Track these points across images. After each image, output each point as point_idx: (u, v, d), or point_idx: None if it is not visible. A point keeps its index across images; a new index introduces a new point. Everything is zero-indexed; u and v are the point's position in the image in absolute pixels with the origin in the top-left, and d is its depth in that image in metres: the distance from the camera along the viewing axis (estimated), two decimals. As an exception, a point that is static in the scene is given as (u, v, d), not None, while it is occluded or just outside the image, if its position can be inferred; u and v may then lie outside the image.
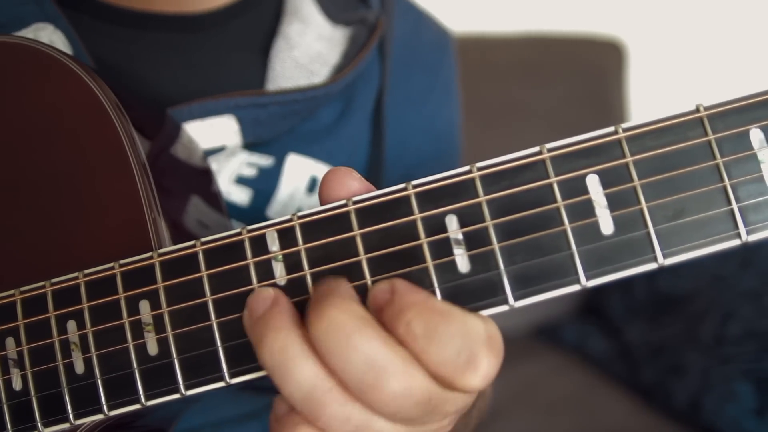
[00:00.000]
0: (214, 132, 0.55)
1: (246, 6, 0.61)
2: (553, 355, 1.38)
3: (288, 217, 0.36)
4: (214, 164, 0.55)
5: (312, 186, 0.59)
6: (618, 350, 1.34)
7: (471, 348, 0.32)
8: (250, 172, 0.57)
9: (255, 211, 0.57)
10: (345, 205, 0.36)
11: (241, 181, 0.57)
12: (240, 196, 0.57)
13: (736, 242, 0.33)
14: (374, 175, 0.62)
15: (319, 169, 0.59)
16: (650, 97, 1.65)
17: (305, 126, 0.60)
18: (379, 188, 0.36)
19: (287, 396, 0.33)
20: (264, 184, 0.57)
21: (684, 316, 1.28)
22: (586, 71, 1.57)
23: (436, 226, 0.35)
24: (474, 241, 0.34)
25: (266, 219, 0.57)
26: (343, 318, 0.32)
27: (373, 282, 0.35)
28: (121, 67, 0.56)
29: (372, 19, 0.63)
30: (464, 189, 0.35)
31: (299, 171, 0.58)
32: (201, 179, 0.52)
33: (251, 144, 0.57)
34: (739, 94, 0.34)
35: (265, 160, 0.58)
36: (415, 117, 0.67)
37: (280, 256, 0.36)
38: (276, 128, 0.57)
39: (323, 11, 0.63)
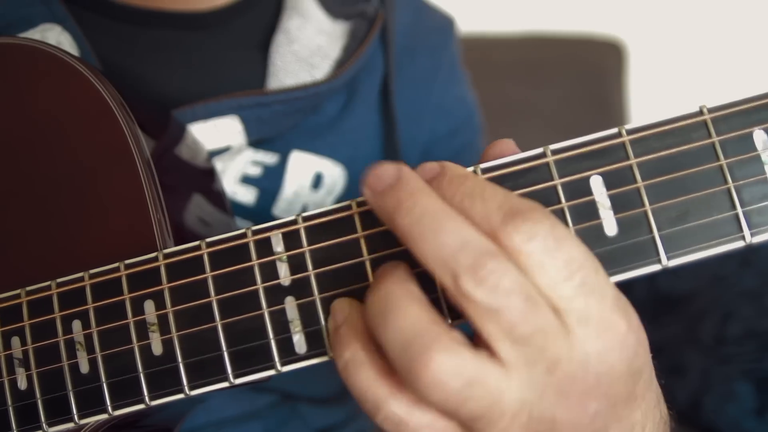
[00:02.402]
0: (219, 133, 0.55)
1: (247, 4, 0.61)
2: (553, 355, 1.38)
3: (293, 218, 0.36)
4: (219, 164, 0.55)
5: (316, 182, 0.59)
6: (618, 350, 1.34)
7: (511, 204, 0.30)
8: (255, 171, 0.57)
9: (261, 210, 0.57)
10: (349, 207, 0.36)
11: (247, 180, 0.57)
12: (246, 195, 0.57)
13: (740, 244, 0.33)
14: (391, 160, 0.62)
15: (322, 164, 0.59)
16: (650, 97, 1.65)
17: (308, 121, 0.60)
18: None
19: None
20: (269, 183, 0.57)
21: (684, 316, 1.28)
22: (586, 71, 1.56)
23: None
24: (478, 241, 0.34)
25: (272, 217, 0.57)
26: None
27: None
28: (123, 66, 0.56)
29: (371, 12, 0.64)
30: (469, 190, 0.35)
31: (303, 168, 0.59)
32: (204, 178, 0.52)
33: (255, 142, 0.57)
34: (742, 95, 0.34)
35: (270, 158, 0.58)
36: (424, 98, 0.68)
37: (285, 257, 0.36)
38: (280, 126, 0.57)
39: (322, 6, 0.63)
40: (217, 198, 0.51)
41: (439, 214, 0.30)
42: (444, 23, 0.74)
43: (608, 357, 0.30)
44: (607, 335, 0.30)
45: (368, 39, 0.62)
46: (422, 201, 0.31)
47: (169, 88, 0.57)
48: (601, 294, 0.30)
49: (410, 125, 0.65)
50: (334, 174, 0.60)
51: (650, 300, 1.35)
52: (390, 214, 0.32)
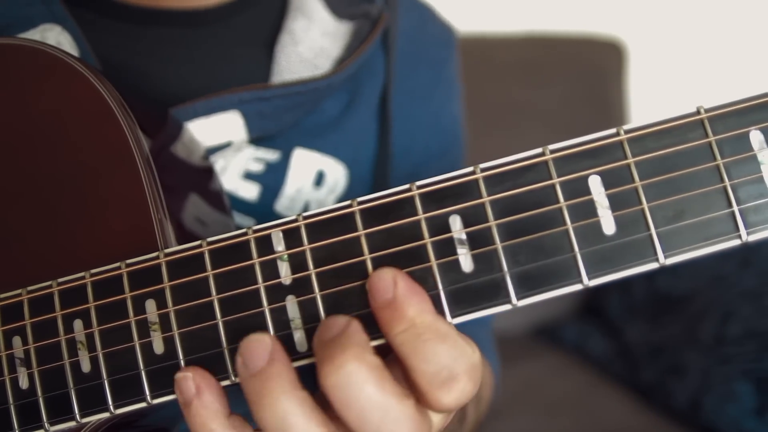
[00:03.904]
0: (220, 128, 0.55)
1: (250, 1, 0.62)
2: (553, 355, 1.38)
3: (293, 217, 0.37)
4: (221, 160, 0.56)
5: (319, 180, 0.59)
6: (618, 350, 1.34)
7: (453, 369, 0.33)
8: (257, 167, 0.57)
9: (263, 206, 0.57)
10: (350, 206, 0.36)
11: (249, 176, 0.57)
12: (248, 191, 0.57)
13: (736, 242, 0.33)
14: (382, 171, 0.62)
15: (325, 162, 0.60)
16: (650, 97, 1.65)
17: (310, 120, 0.60)
18: (386, 184, 0.37)
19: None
20: (271, 179, 0.58)
21: (684, 316, 1.28)
22: (586, 71, 1.57)
23: (440, 226, 0.35)
24: (477, 241, 0.35)
25: (274, 213, 0.57)
26: (359, 374, 0.32)
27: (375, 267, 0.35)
28: (125, 64, 0.56)
29: (375, 13, 0.64)
30: (468, 189, 0.35)
31: (306, 165, 0.59)
32: (200, 178, 0.52)
33: (257, 139, 0.57)
34: (739, 95, 0.34)
35: (272, 155, 0.58)
36: (421, 112, 0.68)
37: (286, 256, 0.36)
38: (281, 122, 0.58)
39: (328, 6, 0.63)
40: (215, 198, 0.52)
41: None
42: (446, 35, 0.74)
43: None
44: None
45: (370, 38, 0.62)
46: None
47: (172, 85, 0.57)
48: None
49: (404, 136, 0.65)
50: (337, 173, 0.60)
51: (650, 300, 1.35)
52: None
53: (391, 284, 0.34)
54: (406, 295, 0.34)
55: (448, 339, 0.33)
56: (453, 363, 0.33)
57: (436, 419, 0.35)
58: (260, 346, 0.34)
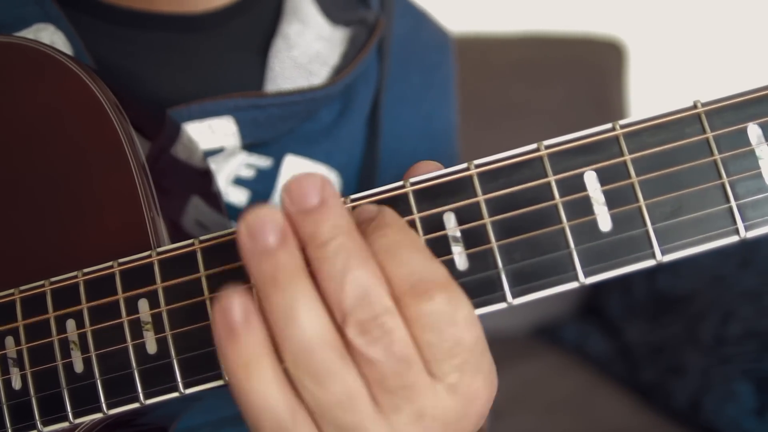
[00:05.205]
0: (213, 133, 0.54)
1: (245, 6, 0.61)
2: (553, 355, 1.38)
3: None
4: (212, 165, 0.55)
5: None
6: (618, 350, 1.34)
7: (421, 276, 0.32)
8: (248, 173, 0.57)
9: None
10: (344, 204, 0.36)
11: (239, 182, 0.57)
12: (238, 197, 0.57)
13: (734, 238, 0.33)
14: (368, 174, 0.62)
15: (317, 170, 0.59)
16: (650, 97, 1.65)
17: (304, 127, 0.60)
18: (372, 187, 0.36)
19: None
20: (262, 186, 0.57)
21: (684, 316, 1.28)
22: (586, 71, 1.57)
23: (434, 224, 0.35)
24: (472, 238, 0.34)
25: None
26: (347, 249, 0.31)
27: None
28: (120, 67, 0.56)
29: (372, 19, 0.63)
30: (462, 186, 0.35)
31: (296, 172, 0.58)
32: (201, 179, 0.52)
33: (250, 145, 0.57)
34: (736, 90, 0.34)
35: (264, 161, 0.58)
36: (412, 116, 0.67)
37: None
38: (275, 130, 0.57)
39: (323, 11, 0.63)
40: (214, 199, 0.51)
41: (351, 259, 0.31)
42: (441, 40, 0.73)
43: (465, 420, 0.34)
44: (468, 405, 0.34)
45: (367, 46, 0.61)
46: (341, 238, 0.32)
47: (165, 89, 0.56)
48: (476, 372, 0.33)
49: (392, 140, 0.65)
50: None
51: (650, 300, 1.35)
52: (307, 236, 0.32)
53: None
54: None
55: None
56: (419, 270, 0.32)
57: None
58: (273, 220, 0.32)
